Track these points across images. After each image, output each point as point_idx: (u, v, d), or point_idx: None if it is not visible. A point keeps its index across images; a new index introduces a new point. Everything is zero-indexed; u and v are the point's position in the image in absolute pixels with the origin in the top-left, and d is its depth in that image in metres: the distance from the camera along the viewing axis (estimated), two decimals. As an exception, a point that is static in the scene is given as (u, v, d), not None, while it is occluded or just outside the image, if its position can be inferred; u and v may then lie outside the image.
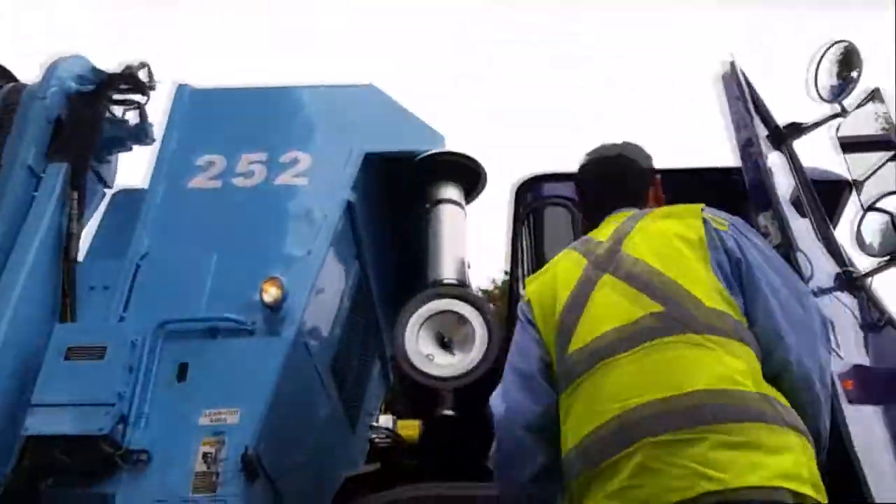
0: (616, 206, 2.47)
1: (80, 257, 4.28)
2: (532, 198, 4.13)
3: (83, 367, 3.60)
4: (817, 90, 3.65)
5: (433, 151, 4.63)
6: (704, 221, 2.15)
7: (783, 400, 1.89)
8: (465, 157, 4.68)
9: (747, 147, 3.20)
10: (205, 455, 3.44)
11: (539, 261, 4.05)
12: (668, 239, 2.11)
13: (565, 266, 2.29)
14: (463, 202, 4.68)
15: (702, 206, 2.26)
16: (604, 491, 1.77)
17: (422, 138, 4.76)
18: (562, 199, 3.99)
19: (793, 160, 3.84)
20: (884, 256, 3.14)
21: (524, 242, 4.16)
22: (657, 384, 1.81)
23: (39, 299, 3.98)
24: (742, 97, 3.36)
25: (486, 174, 4.79)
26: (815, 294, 2.90)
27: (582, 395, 1.95)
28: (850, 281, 3.24)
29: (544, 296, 2.23)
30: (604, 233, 2.34)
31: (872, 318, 3.25)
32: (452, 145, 4.75)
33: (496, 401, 2.17)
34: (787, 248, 2.86)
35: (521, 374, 2.16)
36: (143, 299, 4.01)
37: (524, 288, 2.52)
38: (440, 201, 4.56)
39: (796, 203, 3.60)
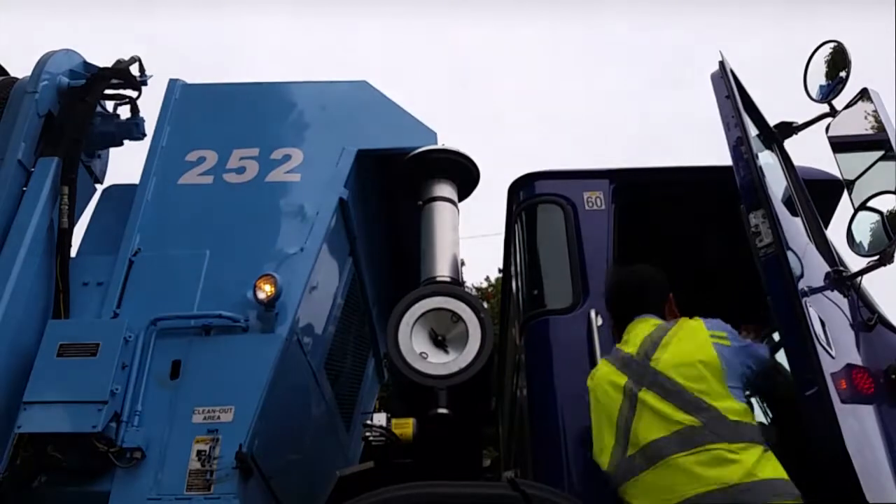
0: (638, 313, 3.11)
1: (73, 253, 4.27)
2: (525, 195, 4.13)
3: (76, 364, 3.60)
4: (807, 90, 3.67)
5: (426, 148, 4.63)
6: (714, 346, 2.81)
7: None
8: (459, 154, 4.68)
9: (738, 146, 3.22)
10: (199, 453, 3.45)
11: (532, 257, 4.07)
12: (692, 363, 2.76)
13: (610, 379, 2.93)
14: (456, 199, 4.68)
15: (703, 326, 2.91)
16: None
17: (415, 135, 4.75)
18: (555, 197, 3.99)
19: (784, 159, 3.86)
20: (873, 256, 3.17)
21: (518, 239, 4.17)
22: (702, 479, 2.54)
23: (32, 295, 3.96)
24: (732, 96, 3.38)
25: (479, 171, 4.80)
26: (806, 293, 2.93)
27: (645, 483, 2.67)
28: (840, 280, 3.27)
29: (598, 399, 2.95)
30: (632, 342, 2.98)
31: (863, 317, 3.28)
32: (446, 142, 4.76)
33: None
34: (777, 248, 2.90)
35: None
36: (136, 296, 4.00)
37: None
38: (433, 198, 4.56)
39: (788, 202, 3.63)
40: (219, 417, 3.53)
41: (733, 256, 3.65)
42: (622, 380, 2.87)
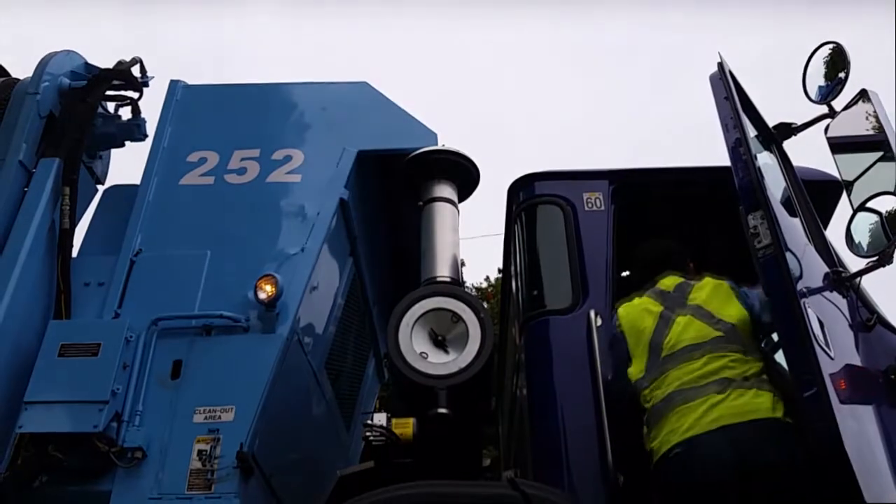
0: (667, 270, 3.48)
1: (74, 253, 4.28)
2: (525, 196, 4.14)
3: (77, 364, 3.61)
4: (806, 91, 3.68)
5: (426, 149, 4.64)
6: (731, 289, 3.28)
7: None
8: (459, 154, 4.69)
9: (737, 148, 3.23)
10: (200, 452, 3.46)
11: (532, 258, 4.08)
12: (720, 298, 3.26)
13: (645, 306, 3.32)
14: (456, 200, 4.70)
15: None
16: (696, 413, 2.95)
17: (415, 136, 4.77)
18: (555, 198, 4.00)
19: (783, 160, 3.87)
20: (872, 256, 3.17)
21: (518, 240, 4.18)
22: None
23: (33, 296, 3.98)
24: (731, 98, 3.38)
25: (479, 172, 4.81)
26: (805, 294, 2.94)
27: (673, 375, 3.08)
28: (839, 281, 3.28)
29: (634, 321, 3.29)
30: (666, 284, 3.38)
31: (862, 318, 3.29)
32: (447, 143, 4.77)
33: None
34: (776, 249, 2.90)
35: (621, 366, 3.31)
36: (138, 296, 4.02)
37: (613, 309, 3.46)
38: (434, 199, 4.57)
39: (787, 203, 3.64)
40: (220, 417, 3.55)
41: (733, 257, 3.66)
42: (658, 307, 3.28)
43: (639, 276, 3.60)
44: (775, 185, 3.61)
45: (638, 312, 3.32)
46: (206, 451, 3.46)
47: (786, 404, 2.94)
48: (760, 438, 2.87)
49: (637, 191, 4.06)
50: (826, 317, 3.00)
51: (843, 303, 3.27)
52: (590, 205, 3.91)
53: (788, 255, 2.95)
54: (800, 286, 2.92)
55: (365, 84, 4.99)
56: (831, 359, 2.81)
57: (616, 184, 4.00)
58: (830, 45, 3.64)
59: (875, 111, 3.48)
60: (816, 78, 3.69)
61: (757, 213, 3.02)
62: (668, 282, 3.40)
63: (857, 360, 3.09)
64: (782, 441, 2.87)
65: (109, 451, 3.45)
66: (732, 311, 3.19)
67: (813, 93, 3.68)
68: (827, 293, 3.24)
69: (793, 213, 3.55)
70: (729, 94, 3.39)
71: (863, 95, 3.52)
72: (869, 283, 3.47)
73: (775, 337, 3.66)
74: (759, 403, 2.93)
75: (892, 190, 3.23)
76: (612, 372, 3.34)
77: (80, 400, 3.52)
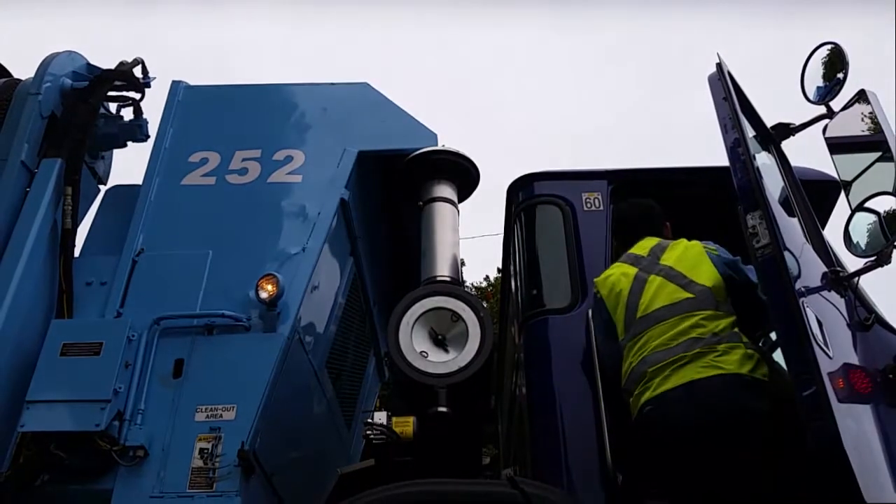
0: (642, 236, 3.57)
1: (76, 253, 4.30)
2: (524, 196, 4.15)
3: (79, 363, 3.63)
4: (804, 92, 3.69)
5: (426, 149, 4.66)
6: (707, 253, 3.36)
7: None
8: (459, 155, 4.72)
9: (735, 148, 3.24)
10: (201, 451, 3.47)
11: (531, 257, 4.10)
12: (691, 260, 3.34)
13: (622, 271, 3.42)
14: (456, 200, 4.72)
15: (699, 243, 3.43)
16: (665, 372, 3.05)
17: (415, 136, 4.79)
18: (554, 198, 4.01)
19: (782, 160, 3.88)
20: (870, 256, 3.18)
21: (517, 240, 4.19)
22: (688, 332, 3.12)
23: (36, 295, 3.99)
24: (729, 98, 3.39)
25: (478, 172, 4.83)
26: (803, 294, 2.95)
27: (647, 337, 3.18)
28: (837, 280, 3.29)
29: (611, 286, 3.40)
30: (641, 248, 3.48)
31: (860, 317, 3.30)
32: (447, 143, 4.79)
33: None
34: (774, 249, 2.92)
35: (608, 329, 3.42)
36: (140, 295, 4.03)
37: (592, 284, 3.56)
38: (434, 199, 4.59)
39: (785, 203, 3.65)
40: (221, 416, 3.56)
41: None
42: (633, 270, 3.38)
43: (620, 238, 3.70)
44: (773, 185, 3.62)
45: (616, 277, 3.42)
46: (207, 449, 3.47)
47: (759, 362, 3.05)
48: (719, 393, 2.96)
49: (636, 191, 4.07)
50: (825, 316, 3.00)
51: (841, 302, 3.28)
52: (588, 205, 3.93)
53: (787, 255, 2.96)
54: (798, 285, 2.93)
55: (365, 85, 5.01)
56: (830, 358, 2.82)
57: (615, 184, 4.02)
58: (829, 46, 3.64)
59: (873, 111, 3.49)
60: (815, 79, 3.70)
61: (756, 213, 3.03)
62: (644, 244, 3.51)
63: (855, 360, 3.10)
64: (740, 395, 2.95)
65: (111, 450, 3.46)
66: (704, 272, 3.27)
67: (811, 93, 3.69)
68: (825, 293, 3.25)
69: (791, 214, 3.56)
70: (728, 94, 3.40)
71: (861, 96, 3.52)
72: (869, 284, 3.49)
73: (773, 336, 3.68)
74: (725, 360, 3.02)
75: (890, 190, 3.24)
76: (601, 336, 3.43)
77: (82, 399, 3.53)
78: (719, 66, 3.53)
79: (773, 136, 3.89)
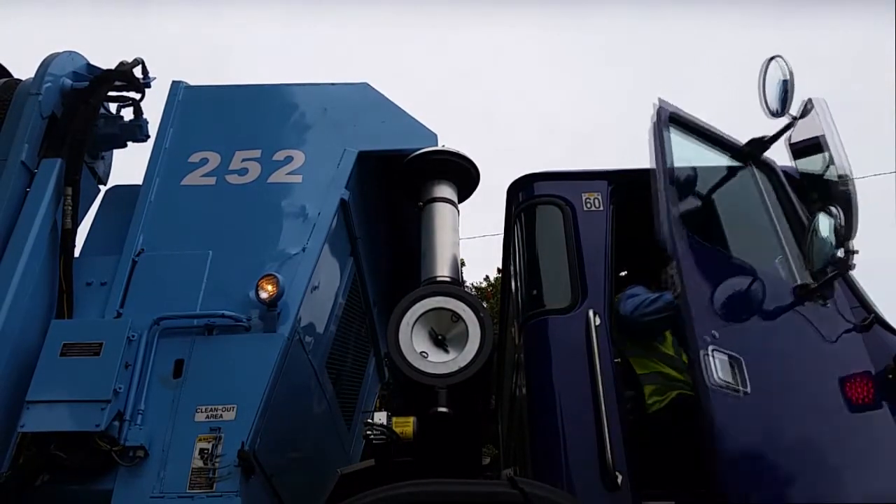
0: None
1: (77, 253, 4.29)
2: (524, 196, 4.15)
3: (79, 363, 3.63)
4: (767, 107, 3.72)
5: (426, 149, 4.66)
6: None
7: None
8: (459, 155, 4.71)
9: (658, 201, 3.34)
10: (201, 451, 3.48)
11: (531, 257, 4.10)
12: None
13: None
14: (456, 200, 4.72)
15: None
16: None
17: (415, 136, 4.79)
18: (554, 198, 4.01)
19: (766, 172, 3.89)
20: (823, 266, 3.26)
21: (517, 240, 4.19)
22: None
23: (36, 295, 3.99)
24: (660, 151, 3.45)
25: (479, 172, 4.83)
26: (708, 342, 3.05)
27: None
28: (809, 293, 3.33)
29: None
30: None
31: (858, 318, 3.32)
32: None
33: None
34: (682, 299, 3.15)
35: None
36: (140, 296, 4.03)
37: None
38: (434, 199, 4.59)
39: (755, 220, 3.73)
40: (221, 416, 3.56)
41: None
42: None
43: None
44: (747, 201, 3.75)
45: None
46: (207, 449, 3.47)
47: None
48: None
49: (636, 191, 4.07)
50: (795, 328, 3.22)
51: (821, 312, 3.31)
52: (588, 205, 3.93)
53: (721, 289, 3.21)
54: (706, 333, 3.06)
55: (365, 85, 5.01)
56: (742, 395, 2.96)
57: (615, 184, 4.02)
58: (774, 59, 3.69)
59: (820, 118, 3.53)
60: (772, 92, 3.74)
61: (672, 264, 3.22)
62: None
63: (845, 368, 3.15)
64: None
65: (111, 450, 3.46)
66: None
67: (773, 107, 3.73)
68: (800, 307, 3.33)
69: (771, 226, 3.60)
70: (659, 146, 3.45)
71: (810, 104, 3.58)
72: (870, 284, 3.50)
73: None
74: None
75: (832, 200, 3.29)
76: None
77: (83, 399, 3.53)
78: (659, 111, 3.59)
79: (751, 153, 3.89)
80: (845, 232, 3.17)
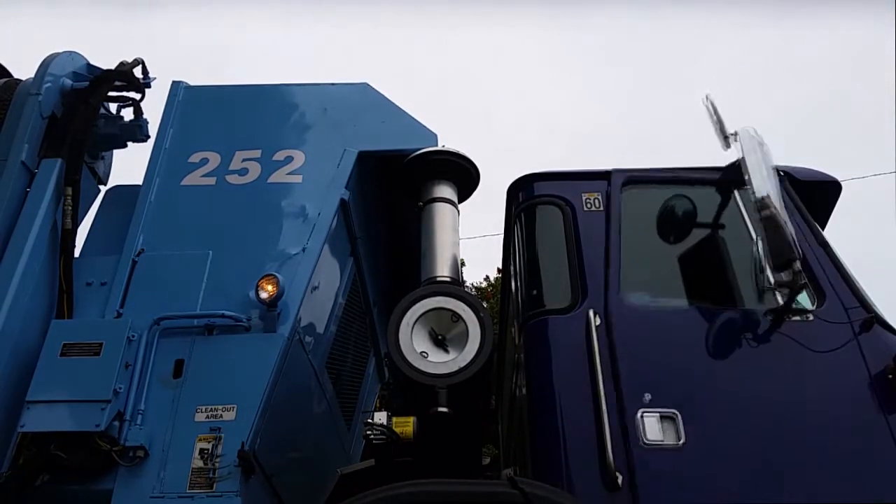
0: None
1: (77, 253, 4.30)
2: (525, 196, 4.15)
3: (79, 363, 3.63)
4: (724, 141, 3.77)
5: (426, 150, 4.66)
6: None
7: None
8: (459, 155, 4.71)
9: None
10: (201, 451, 3.48)
11: (531, 257, 4.10)
12: None
13: None
14: (456, 200, 4.72)
15: None
16: None
17: (415, 137, 4.79)
18: (554, 198, 4.01)
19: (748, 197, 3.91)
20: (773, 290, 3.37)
21: (517, 240, 4.19)
22: None
23: (36, 295, 3.99)
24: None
25: (479, 173, 4.83)
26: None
27: None
28: (778, 321, 3.37)
29: None
30: None
31: (859, 318, 3.33)
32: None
33: None
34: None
35: None
36: (140, 296, 4.04)
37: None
38: (434, 199, 4.59)
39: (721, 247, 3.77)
40: (221, 416, 3.56)
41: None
42: None
43: None
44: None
45: None
46: (207, 449, 3.47)
47: None
48: None
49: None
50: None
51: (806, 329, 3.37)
52: (589, 205, 3.93)
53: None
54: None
55: (365, 85, 5.02)
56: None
57: (615, 184, 4.02)
58: (705, 98, 3.85)
59: (743, 146, 3.64)
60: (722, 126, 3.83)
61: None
62: None
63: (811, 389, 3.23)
64: None
65: (111, 450, 3.47)
66: None
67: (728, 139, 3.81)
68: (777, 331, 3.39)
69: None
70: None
71: (735, 135, 3.71)
72: (870, 284, 3.50)
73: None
74: None
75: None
76: None
77: (83, 399, 3.53)
78: (609, 174, 3.88)
79: (734, 178, 3.87)
80: (767, 256, 3.28)
